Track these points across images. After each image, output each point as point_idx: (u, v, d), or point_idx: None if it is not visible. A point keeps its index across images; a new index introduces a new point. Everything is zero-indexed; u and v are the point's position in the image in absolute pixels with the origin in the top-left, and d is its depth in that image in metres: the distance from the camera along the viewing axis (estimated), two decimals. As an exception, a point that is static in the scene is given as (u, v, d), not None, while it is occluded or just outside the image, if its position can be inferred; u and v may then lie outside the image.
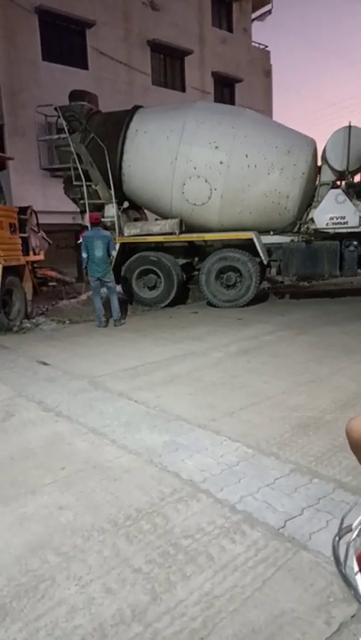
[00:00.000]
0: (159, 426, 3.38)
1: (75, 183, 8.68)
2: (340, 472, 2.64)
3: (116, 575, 1.92)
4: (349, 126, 7.81)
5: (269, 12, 21.21)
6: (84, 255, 7.19)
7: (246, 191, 8.13)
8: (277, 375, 4.50)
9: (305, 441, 3.05)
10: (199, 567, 1.95)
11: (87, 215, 8.69)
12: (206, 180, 8.11)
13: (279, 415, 3.51)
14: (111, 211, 8.70)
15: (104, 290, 7.64)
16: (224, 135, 8.08)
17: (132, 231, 8.74)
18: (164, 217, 8.89)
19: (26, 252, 8.28)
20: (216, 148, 8.08)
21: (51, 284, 10.78)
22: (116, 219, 8.68)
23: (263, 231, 8.46)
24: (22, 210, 9.47)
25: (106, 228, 8.79)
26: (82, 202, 8.78)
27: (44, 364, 5.26)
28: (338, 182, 8.34)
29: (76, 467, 2.83)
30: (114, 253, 7.93)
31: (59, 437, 3.27)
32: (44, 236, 10.71)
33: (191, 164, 8.15)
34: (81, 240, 7.32)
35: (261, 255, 8.26)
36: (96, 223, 7.44)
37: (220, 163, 8.08)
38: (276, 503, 2.37)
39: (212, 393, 4.11)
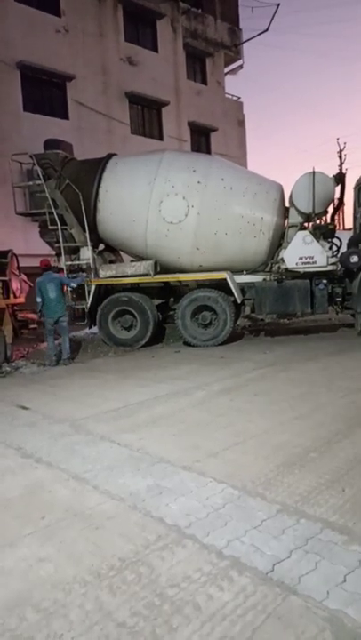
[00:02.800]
0: (143, 469, 3.31)
1: (50, 227, 8.83)
2: (326, 511, 2.61)
3: (98, 631, 1.82)
4: (313, 172, 8.19)
5: (241, 66, 22.53)
6: (39, 299, 7.81)
7: (223, 210, 8.31)
8: (261, 413, 4.48)
9: (290, 480, 3.02)
10: (186, 618, 1.87)
11: (62, 258, 8.84)
12: (184, 197, 8.29)
13: (264, 454, 3.47)
14: (87, 253, 8.84)
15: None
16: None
17: (107, 273, 8.84)
18: (139, 257, 9.01)
19: (6, 295, 8.25)
20: (194, 171, 8.44)
21: (31, 326, 10.73)
22: (91, 261, 8.80)
23: (236, 271, 8.64)
24: (3, 254, 9.51)
25: (81, 269, 8.92)
26: (57, 245, 8.90)
27: (24, 408, 5.15)
28: (305, 224, 8.64)
29: (57, 515, 2.73)
30: (73, 284, 8.47)
31: (38, 485, 3.17)
32: (25, 279, 10.76)
33: (170, 184, 8.38)
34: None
35: (235, 294, 8.41)
36: (47, 268, 8.03)
37: (198, 182, 8.35)
38: (264, 546, 2.31)
39: (195, 433, 4.06)
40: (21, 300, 10.39)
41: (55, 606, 1.97)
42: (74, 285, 8.52)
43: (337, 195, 8.65)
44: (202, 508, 2.71)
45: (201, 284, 8.73)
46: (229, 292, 8.50)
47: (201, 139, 20.50)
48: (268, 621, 1.83)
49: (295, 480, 3.01)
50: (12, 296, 9.45)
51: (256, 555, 2.25)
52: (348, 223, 11.67)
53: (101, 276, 8.88)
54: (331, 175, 8.52)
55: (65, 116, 15.55)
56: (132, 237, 8.74)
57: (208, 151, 20.14)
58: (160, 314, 9.12)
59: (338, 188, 8.61)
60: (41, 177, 8.78)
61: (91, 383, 6.31)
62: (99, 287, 8.90)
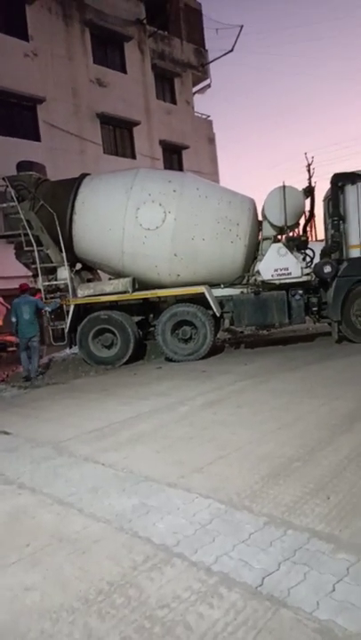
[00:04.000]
0: (128, 488, 3.27)
1: (26, 249, 8.81)
2: (313, 520, 2.62)
3: (88, 659, 1.78)
4: (283, 186, 8.39)
5: (209, 85, 23.04)
6: (13, 319, 8.24)
7: (199, 216, 8.42)
8: (244, 425, 4.50)
9: (276, 491, 3.02)
10: (177, 639, 1.84)
11: (39, 279, 8.82)
12: (160, 204, 8.37)
13: (248, 466, 3.48)
14: (64, 273, 8.82)
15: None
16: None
17: (85, 292, 8.82)
18: (116, 272, 9.00)
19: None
20: (169, 182, 8.62)
21: (10, 349, 10.58)
22: (69, 281, 8.78)
23: (214, 284, 8.72)
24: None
25: (59, 289, 8.90)
26: (34, 266, 8.86)
27: (5, 433, 5.05)
28: (278, 237, 8.81)
29: (42, 542, 2.67)
30: (47, 308, 8.70)
31: (22, 511, 3.10)
32: (2, 301, 10.64)
33: (146, 192, 8.50)
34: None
35: (214, 308, 8.48)
36: (24, 290, 8.38)
37: (174, 191, 8.49)
38: (253, 560, 2.30)
39: (180, 449, 4.04)
40: (-1, 322, 10.26)
41: (42, 636, 1.92)
42: (48, 309, 8.70)
43: (307, 207, 8.86)
44: (189, 525, 2.69)
45: (180, 299, 8.77)
46: (208, 306, 8.56)
47: (173, 156, 20.79)
48: (259, 637, 1.81)
49: (281, 491, 3.02)
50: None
51: (245, 569, 2.24)
52: (321, 234, 11.97)
53: (79, 295, 8.85)
54: (300, 189, 8.73)
55: (37, 137, 15.61)
56: (109, 247, 8.65)
57: (180, 168, 20.43)
58: (140, 330, 9.11)
59: (308, 201, 8.82)
60: (15, 199, 8.77)
61: (73, 404, 6.23)
62: (77, 307, 8.86)
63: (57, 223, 8.57)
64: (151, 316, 9.25)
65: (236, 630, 1.86)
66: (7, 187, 8.84)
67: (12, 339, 9.83)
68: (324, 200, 9.57)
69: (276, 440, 3.98)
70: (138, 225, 8.41)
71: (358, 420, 4.24)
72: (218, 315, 8.64)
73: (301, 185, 8.94)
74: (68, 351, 10.07)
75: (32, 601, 2.14)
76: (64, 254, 8.75)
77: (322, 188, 10.77)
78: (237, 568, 2.25)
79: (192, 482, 3.30)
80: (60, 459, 4.04)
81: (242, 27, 20.67)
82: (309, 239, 9.46)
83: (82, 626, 1.96)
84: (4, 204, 8.98)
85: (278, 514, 2.73)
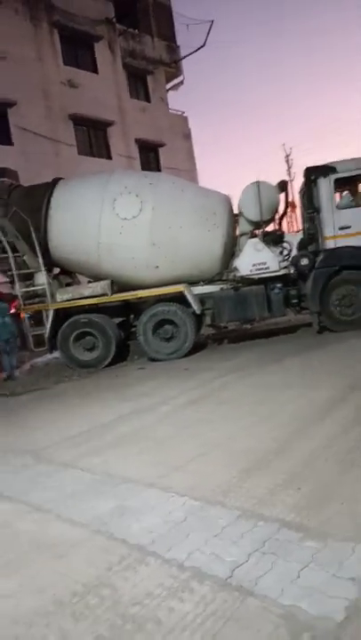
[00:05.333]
0: (106, 492, 3.33)
1: (1, 255, 8.77)
2: (283, 511, 2.70)
3: (61, 660, 1.84)
4: (258, 181, 8.48)
5: (182, 82, 23.01)
6: None
7: (176, 204, 8.49)
8: (224, 421, 4.57)
9: (250, 484, 3.10)
10: (148, 634, 1.91)
11: (16, 285, 8.80)
12: (137, 195, 8.44)
13: (226, 462, 3.55)
14: (41, 278, 8.80)
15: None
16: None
17: (64, 296, 8.81)
18: (93, 270, 8.97)
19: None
20: (145, 176, 8.82)
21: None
22: (47, 286, 8.76)
23: (194, 282, 8.77)
24: None
25: (37, 295, 8.89)
26: (10, 273, 8.83)
27: (-13, 443, 5.06)
28: (255, 232, 8.90)
29: (20, 550, 2.72)
30: (7, 319, 9.16)
31: (1, 521, 3.13)
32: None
33: (122, 185, 8.60)
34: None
35: (193, 306, 8.54)
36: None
37: (150, 184, 8.65)
38: (224, 553, 2.38)
39: (160, 449, 4.10)
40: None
41: (18, 641, 1.97)
42: (7, 319, 9.16)
43: (282, 201, 8.95)
44: (164, 524, 2.75)
45: (160, 299, 8.81)
46: (188, 305, 8.62)
47: (150, 154, 20.76)
48: (226, 625, 1.89)
49: (254, 484, 3.10)
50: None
51: (216, 562, 2.31)
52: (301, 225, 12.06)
53: (58, 299, 8.84)
54: (274, 183, 8.82)
55: (9, 142, 15.48)
56: (85, 240, 8.59)
57: (158, 166, 20.42)
58: (122, 332, 9.14)
59: (282, 196, 8.91)
60: None
61: (54, 409, 6.26)
62: (57, 311, 8.86)
63: (32, 229, 8.55)
64: (132, 316, 9.27)
65: (205, 621, 1.93)
66: None
67: None
68: (299, 193, 9.68)
69: (253, 434, 4.07)
70: (115, 215, 8.40)
71: (332, 409, 4.35)
72: (198, 312, 8.70)
73: (280, 178, 9.04)
74: (49, 356, 10.06)
75: (6, 608, 2.19)
76: (40, 259, 8.73)
77: (300, 180, 10.97)
78: (209, 562, 2.32)
79: (170, 481, 3.37)
80: (40, 466, 4.08)
81: (212, 22, 20.73)
82: (289, 230, 9.56)
83: (56, 628, 2.02)
84: None
85: (250, 506, 2.81)
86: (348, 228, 8.25)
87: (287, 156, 34.69)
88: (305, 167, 8.61)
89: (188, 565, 2.32)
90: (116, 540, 2.66)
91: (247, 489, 3.04)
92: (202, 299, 8.83)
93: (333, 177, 8.31)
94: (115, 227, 8.43)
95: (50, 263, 9.12)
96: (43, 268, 8.75)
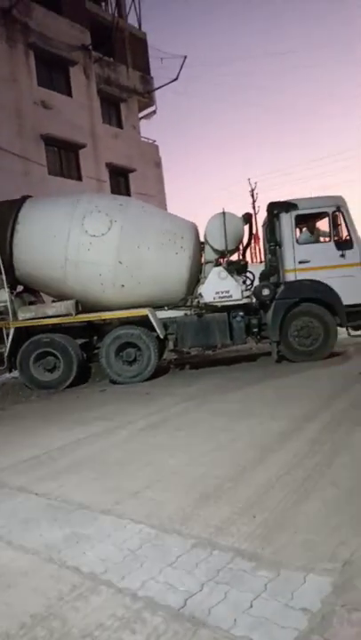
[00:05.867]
0: (60, 518, 3.25)
1: None
2: (238, 540, 2.72)
3: None
4: (223, 212, 8.77)
5: (154, 111, 23.61)
6: None
7: (145, 226, 8.69)
8: (182, 448, 4.58)
9: (206, 513, 3.11)
10: (97, 668, 1.86)
11: None
12: (107, 214, 8.57)
13: (183, 489, 3.55)
14: (3, 295, 8.64)
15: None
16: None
17: (26, 315, 8.68)
18: (58, 287, 8.91)
19: None
20: (115, 199, 9.00)
21: None
22: (9, 303, 8.60)
23: (158, 306, 8.86)
24: None
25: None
26: None
27: None
28: (220, 260, 9.13)
29: (-34, 579, 2.60)
30: None
31: None
32: None
33: (93, 204, 8.79)
34: None
35: (157, 330, 8.59)
36: None
37: (120, 205, 8.90)
38: (178, 582, 2.36)
39: (117, 474, 4.06)
40: None
41: None
42: None
43: (246, 232, 9.25)
44: (118, 552, 2.71)
45: (124, 322, 8.81)
46: (152, 329, 8.65)
47: (120, 179, 21.00)
48: (177, 658, 1.87)
49: (210, 512, 3.11)
50: None
51: (169, 592, 2.29)
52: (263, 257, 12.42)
53: (20, 318, 8.69)
54: (240, 215, 9.11)
55: (-22, 157, 15.33)
56: (52, 255, 8.56)
57: (127, 191, 20.66)
58: (84, 353, 9.04)
59: (247, 227, 9.21)
60: None
61: (10, 431, 6.08)
62: (18, 330, 8.69)
63: None
64: (95, 338, 9.21)
65: (156, 654, 1.91)
66: None
67: None
68: (263, 226, 10.02)
69: (211, 461, 4.09)
70: (84, 232, 8.48)
71: (289, 439, 4.44)
72: (162, 337, 8.75)
73: (246, 209, 9.37)
74: (7, 375, 9.80)
75: None
76: (4, 276, 8.59)
77: (264, 214, 11.39)
78: (162, 591, 2.30)
79: (126, 508, 3.33)
80: (-7, 490, 3.94)
81: (185, 57, 21.48)
82: (253, 261, 9.85)
83: (1, 663, 1.94)
84: None
85: (206, 535, 2.81)
86: (308, 262, 8.60)
87: (252, 190, 35.82)
88: (268, 202, 8.97)
89: (141, 595, 2.29)
90: (68, 568, 2.60)
91: (203, 517, 3.05)
92: (165, 323, 8.90)
93: (294, 213, 8.69)
94: (83, 243, 8.49)
95: (13, 280, 8.99)
96: (5, 285, 8.61)
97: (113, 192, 19.20)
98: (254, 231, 9.83)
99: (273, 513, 3.00)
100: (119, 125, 21.47)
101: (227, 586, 2.29)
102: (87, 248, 8.48)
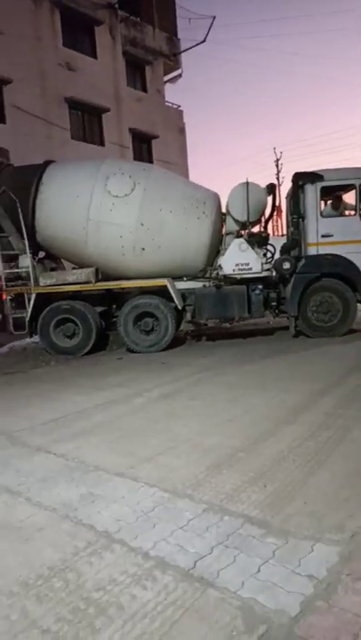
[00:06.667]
0: (77, 478, 3.37)
1: None
2: (248, 507, 2.79)
3: (23, 639, 1.88)
4: (247, 182, 8.56)
5: (180, 75, 22.91)
6: None
7: (167, 190, 8.69)
8: (196, 417, 4.65)
9: (218, 480, 3.19)
10: (109, 619, 1.96)
11: (0, 266, 8.70)
12: (130, 176, 8.57)
13: (195, 457, 3.63)
14: (26, 261, 8.70)
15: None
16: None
17: (47, 281, 8.76)
18: (78, 251, 8.93)
19: None
20: (138, 164, 9.12)
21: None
22: (30, 269, 8.67)
23: (177, 277, 8.83)
24: None
25: (20, 278, 8.80)
26: None
27: None
28: (241, 232, 8.99)
29: (-13, 530, 2.74)
30: None
31: (-31, 501, 3.14)
32: None
33: (116, 166, 8.87)
34: None
35: (176, 300, 8.60)
36: None
37: (143, 169, 8.98)
38: (188, 545, 2.45)
39: (132, 440, 4.16)
40: None
41: (-20, 619, 2.00)
42: None
43: (269, 204, 9.06)
44: (132, 513, 2.81)
45: (143, 291, 8.83)
46: (171, 299, 8.66)
47: (143, 145, 20.66)
48: (185, 615, 1.96)
49: (222, 480, 3.18)
50: None
51: (180, 553, 2.38)
52: (285, 230, 12.21)
53: (42, 284, 8.78)
54: (263, 186, 8.91)
55: (2, 120, 15.21)
56: (74, 215, 8.56)
57: (150, 157, 20.34)
58: (103, 321, 9.14)
59: (270, 198, 9.02)
60: None
61: (30, 393, 6.24)
62: (39, 295, 8.79)
63: (19, 209, 8.45)
64: (114, 306, 9.29)
65: (165, 609, 2.00)
66: None
67: None
68: (286, 197, 9.80)
69: (224, 432, 4.15)
70: (106, 192, 8.46)
71: (302, 412, 4.47)
72: (180, 307, 8.76)
73: (269, 180, 9.16)
74: (28, 340, 9.99)
75: (-29, 586, 2.22)
76: (26, 242, 8.64)
77: (288, 185, 11.07)
78: (173, 552, 2.39)
79: (140, 472, 3.42)
80: (13, 449, 4.09)
81: (214, 17, 20.66)
82: (274, 234, 9.70)
83: (19, 609, 2.06)
84: None
85: (217, 501, 2.89)
86: (331, 236, 8.42)
87: (277, 160, 34.85)
88: (294, 172, 8.74)
89: (152, 554, 2.39)
90: (83, 525, 2.71)
91: (215, 484, 3.12)
92: (184, 294, 8.89)
93: (320, 185, 8.46)
94: (106, 203, 8.46)
95: (35, 246, 9.04)
96: (28, 251, 8.67)
97: (135, 158, 18.94)
98: (277, 203, 9.57)
99: (283, 483, 3.06)
100: (143, 89, 20.97)
101: (236, 550, 2.36)
102: (109, 209, 8.45)
